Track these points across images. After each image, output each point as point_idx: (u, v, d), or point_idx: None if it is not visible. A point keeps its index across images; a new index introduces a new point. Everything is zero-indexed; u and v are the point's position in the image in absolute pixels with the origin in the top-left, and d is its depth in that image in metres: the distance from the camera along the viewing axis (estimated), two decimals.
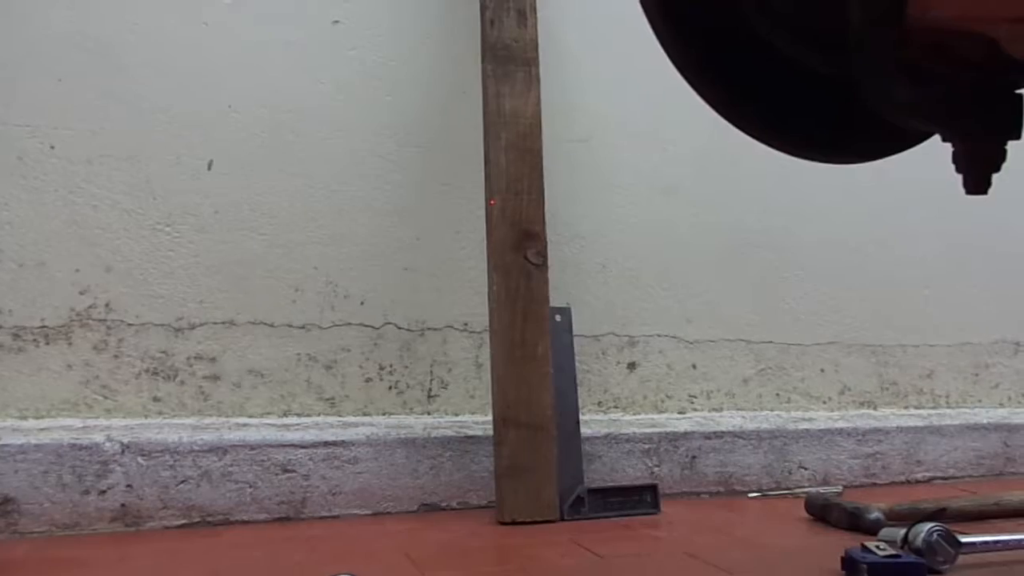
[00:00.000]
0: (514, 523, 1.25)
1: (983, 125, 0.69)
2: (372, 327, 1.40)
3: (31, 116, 1.24)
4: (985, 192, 0.72)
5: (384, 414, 1.40)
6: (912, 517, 1.13)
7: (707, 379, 1.60)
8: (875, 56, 0.69)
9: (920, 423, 1.70)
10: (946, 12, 0.61)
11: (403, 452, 1.34)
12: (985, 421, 1.75)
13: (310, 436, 1.30)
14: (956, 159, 0.72)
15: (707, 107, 1.76)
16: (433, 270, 1.44)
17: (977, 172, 0.71)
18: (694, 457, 1.51)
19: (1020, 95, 0.69)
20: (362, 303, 1.40)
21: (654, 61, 1.69)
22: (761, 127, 0.86)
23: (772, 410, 1.63)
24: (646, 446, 1.48)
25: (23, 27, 1.25)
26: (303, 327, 1.36)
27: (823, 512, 1.30)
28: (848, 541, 1.05)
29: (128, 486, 1.20)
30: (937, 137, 0.74)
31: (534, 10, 1.43)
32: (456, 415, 1.43)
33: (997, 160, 0.70)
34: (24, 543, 1.12)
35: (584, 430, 1.41)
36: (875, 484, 1.63)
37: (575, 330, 1.44)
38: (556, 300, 1.41)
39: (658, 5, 0.81)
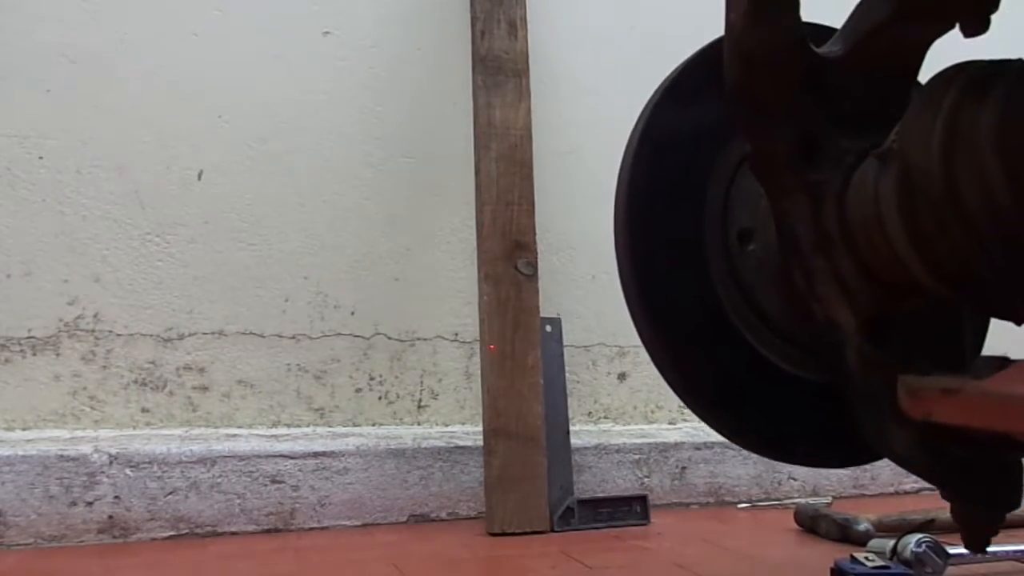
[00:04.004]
0: (504, 534, 1.25)
1: (982, 498, 0.67)
2: (362, 337, 1.40)
3: (20, 126, 1.24)
4: (983, 551, 0.69)
5: (374, 424, 1.39)
6: (901, 528, 1.14)
7: None
8: (874, 407, 0.68)
9: None
10: (947, 420, 0.60)
11: (393, 463, 1.34)
12: None
13: (299, 447, 1.30)
14: (953, 514, 0.70)
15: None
16: (423, 280, 1.44)
17: (975, 534, 0.69)
18: (684, 468, 1.51)
19: (1021, 462, 0.67)
20: (352, 313, 1.39)
21: (644, 73, 1.70)
22: (736, 430, 0.86)
23: None
24: (636, 457, 1.48)
25: (12, 38, 1.25)
26: (293, 337, 1.36)
27: (812, 523, 1.30)
28: (837, 552, 1.05)
29: (116, 497, 1.19)
30: None
31: (524, 22, 1.44)
32: (446, 426, 1.43)
33: (994, 525, 0.68)
34: (11, 555, 1.11)
35: (574, 441, 1.40)
36: (864, 495, 1.63)
37: (565, 340, 1.44)
38: (546, 310, 1.41)
39: (639, 290, 0.82)
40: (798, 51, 0.69)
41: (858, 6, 0.72)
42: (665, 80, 0.86)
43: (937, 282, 0.63)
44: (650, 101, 0.86)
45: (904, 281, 0.66)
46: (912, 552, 1.00)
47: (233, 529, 1.25)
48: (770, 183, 0.72)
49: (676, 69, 0.86)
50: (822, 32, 0.81)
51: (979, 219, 0.58)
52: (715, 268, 0.81)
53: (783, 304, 0.78)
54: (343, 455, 1.32)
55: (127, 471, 1.20)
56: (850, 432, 0.73)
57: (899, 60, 0.73)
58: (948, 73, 0.63)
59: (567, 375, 1.44)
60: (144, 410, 1.27)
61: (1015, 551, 1.07)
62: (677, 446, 1.51)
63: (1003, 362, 0.61)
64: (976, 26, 0.67)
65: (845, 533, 1.22)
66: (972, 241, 0.59)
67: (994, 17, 0.66)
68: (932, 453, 0.66)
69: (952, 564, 1.02)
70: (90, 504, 1.18)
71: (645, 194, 0.82)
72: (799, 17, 0.69)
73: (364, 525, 1.31)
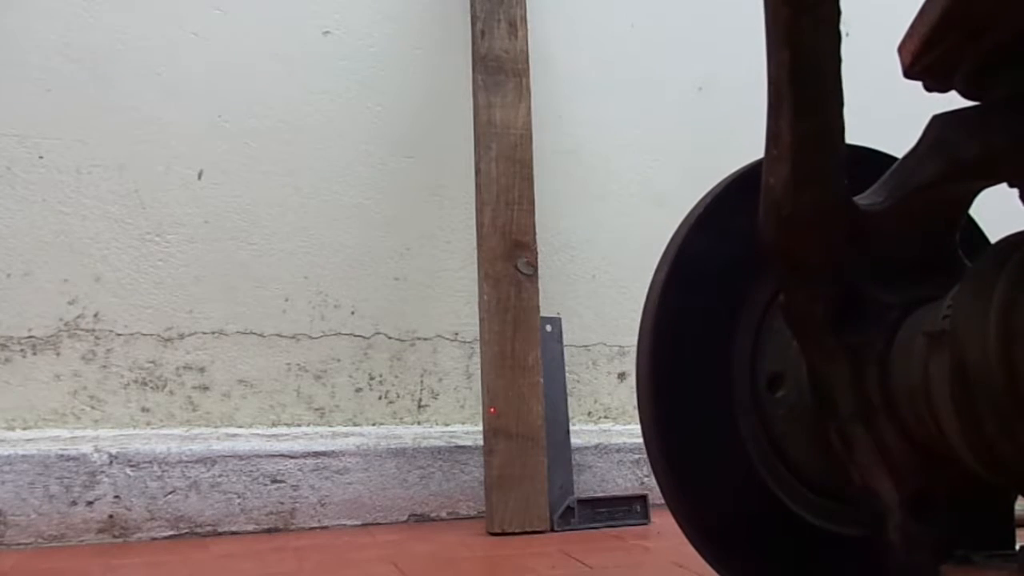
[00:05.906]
0: (504, 534, 1.25)
1: None
2: (362, 337, 1.40)
3: (20, 126, 1.24)
4: None
5: (374, 424, 1.39)
6: None
7: None
8: None
9: None
10: None
11: (393, 462, 1.34)
12: None
13: (299, 446, 1.30)
14: None
15: (696, 120, 1.76)
16: (423, 280, 1.44)
17: None
18: None
19: None
20: (352, 313, 1.39)
21: (643, 73, 1.70)
22: None
23: None
24: (636, 456, 1.48)
25: (12, 37, 1.25)
26: (293, 337, 1.36)
27: None
28: None
29: (116, 497, 1.19)
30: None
31: (525, 21, 1.44)
32: (446, 425, 1.43)
33: None
34: (11, 555, 1.11)
35: (574, 440, 1.41)
36: None
37: (565, 340, 1.44)
38: (546, 310, 1.41)
39: (661, 440, 0.79)
40: (841, 211, 0.65)
41: (905, 160, 0.69)
42: (693, 211, 0.83)
43: (994, 476, 0.59)
44: (678, 232, 0.82)
45: (953, 459, 0.61)
46: None
47: (233, 529, 1.25)
48: (807, 342, 0.68)
49: (704, 201, 0.83)
50: (864, 155, 0.79)
51: None
52: (743, 419, 0.77)
53: (816, 458, 0.75)
54: (343, 455, 1.32)
55: (127, 471, 1.20)
56: None
57: (944, 213, 0.70)
58: (1001, 250, 0.59)
59: (567, 375, 1.44)
60: (144, 410, 1.27)
61: None
62: None
63: None
64: None
65: None
66: None
67: None
68: None
69: None
70: (90, 504, 1.18)
71: (670, 338, 0.79)
72: (842, 178, 0.65)
73: (364, 525, 1.32)
